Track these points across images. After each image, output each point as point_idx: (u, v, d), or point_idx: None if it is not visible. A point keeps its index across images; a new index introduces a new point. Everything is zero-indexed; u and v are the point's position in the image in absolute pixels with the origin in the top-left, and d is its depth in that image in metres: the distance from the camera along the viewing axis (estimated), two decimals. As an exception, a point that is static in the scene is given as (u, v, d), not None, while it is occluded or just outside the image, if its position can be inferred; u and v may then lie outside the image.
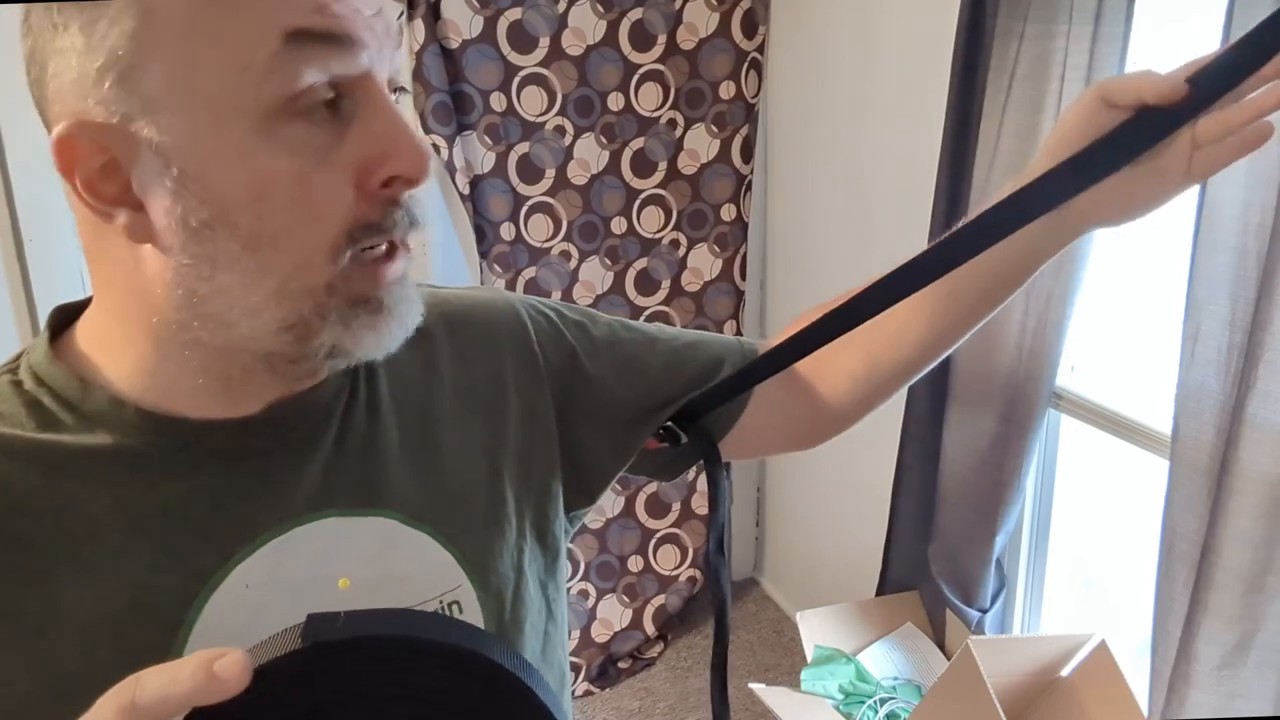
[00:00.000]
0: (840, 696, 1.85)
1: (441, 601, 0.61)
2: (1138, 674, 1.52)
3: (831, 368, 0.77)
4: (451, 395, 0.67)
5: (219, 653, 0.38)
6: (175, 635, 0.54)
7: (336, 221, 0.51)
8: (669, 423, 0.75)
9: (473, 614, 0.63)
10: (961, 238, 0.63)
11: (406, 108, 2.13)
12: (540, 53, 2.21)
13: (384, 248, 0.54)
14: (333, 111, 0.51)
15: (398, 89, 0.55)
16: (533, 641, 0.67)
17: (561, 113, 2.27)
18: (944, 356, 0.76)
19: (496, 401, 0.69)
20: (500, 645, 0.44)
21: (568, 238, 2.38)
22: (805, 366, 0.78)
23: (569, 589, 2.58)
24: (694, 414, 0.76)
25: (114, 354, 0.56)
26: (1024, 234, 0.63)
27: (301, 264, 0.51)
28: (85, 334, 0.58)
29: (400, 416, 0.64)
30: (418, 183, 0.53)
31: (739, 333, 2.62)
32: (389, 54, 0.53)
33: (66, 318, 0.60)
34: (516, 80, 2.21)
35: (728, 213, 2.52)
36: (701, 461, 0.79)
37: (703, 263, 2.54)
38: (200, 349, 0.54)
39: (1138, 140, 0.60)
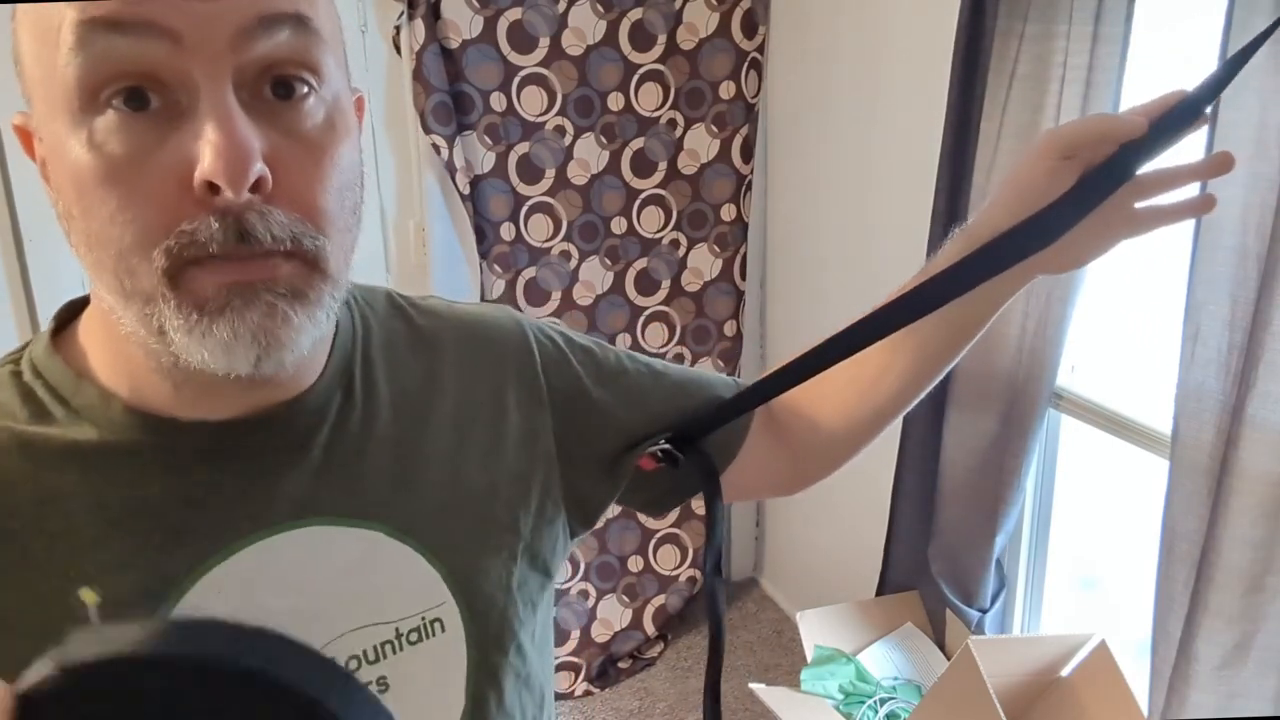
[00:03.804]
0: (840, 696, 1.85)
1: (424, 619, 0.60)
2: (1138, 674, 1.52)
3: (814, 418, 0.80)
4: (451, 409, 0.66)
5: None
6: None
7: (151, 224, 0.48)
8: (667, 445, 0.75)
9: (454, 633, 0.62)
10: (944, 280, 0.65)
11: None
12: (540, 53, 2.21)
13: (214, 250, 0.48)
14: (150, 106, 0.47)
15: (285, 77, 0.50)
16: (516, 663, 0.65)
17: (561, 113, 2.27)
18: (913, 404, 0.78)
19: (496, 420, 0.68)
20: (262, 642, 0.39)
21: (568, 238, 2.38)
22: (789, 418, 0.81)
23: (569, 589, 2.58)
24: (688, 442, 0.77)
25: (104, 348, 0.56)
26: (983, 284, 0.66)
27: (126, 268, 0.49)
28: (85, 327, 0.58)
29: (396, 426, 0.63)
30: (237, 193, 0.47)
31: (739, 333, 2.62)
32: (238, 39, 0.47)
33: (75, 310, 0.60)
34: (516, 80, 2.21)
35: (728, 213, 2.52)
36: (694, 492, 0.79)
37: (703, 263, 2.54)
38: (138, 346, 0.53)
39: (1109, 182, 0.62)
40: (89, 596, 0.52)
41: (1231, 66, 0.60)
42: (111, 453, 0.55)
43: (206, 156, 0.46)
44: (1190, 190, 0.65)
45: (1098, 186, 0.62)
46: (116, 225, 0.48)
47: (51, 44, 0.47)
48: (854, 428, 0.79)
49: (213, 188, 0.47)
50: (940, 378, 0.77)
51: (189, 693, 0.39)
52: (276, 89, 0.50)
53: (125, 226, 0.48)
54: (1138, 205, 0.64)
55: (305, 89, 0.50)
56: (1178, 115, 0.60)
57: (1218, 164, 0.63)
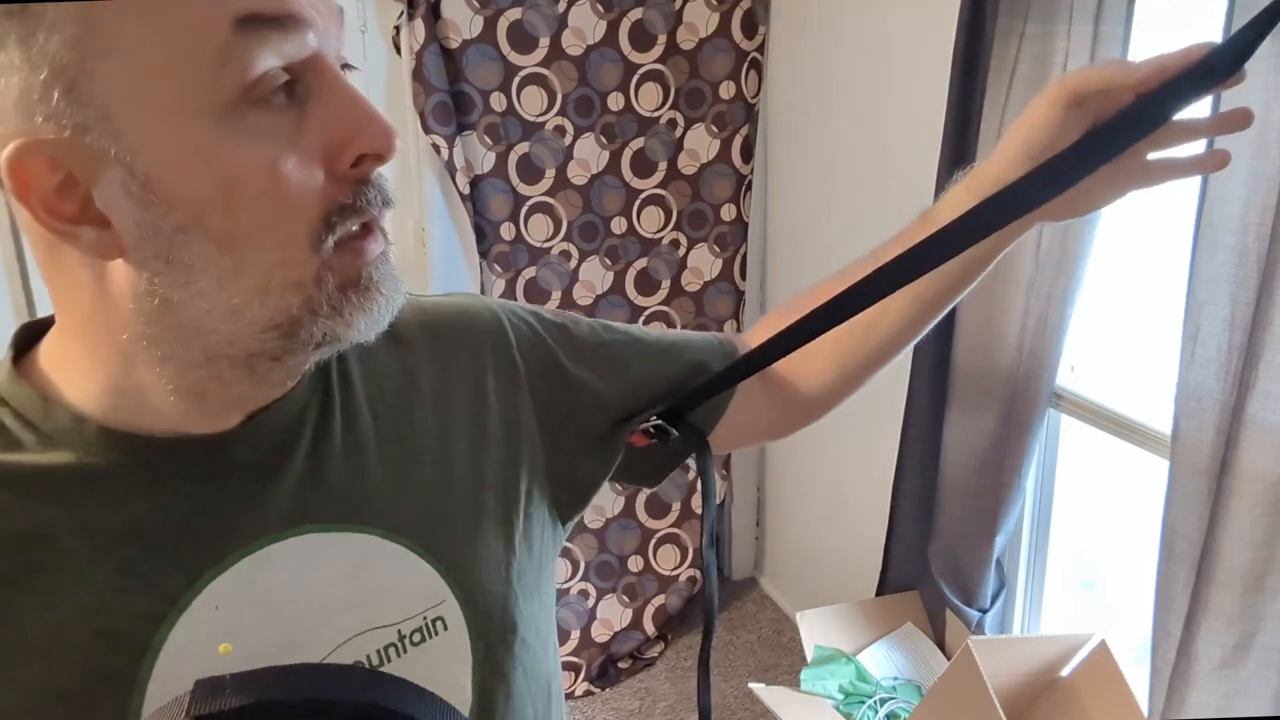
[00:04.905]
0: (840, 696, 1.85)
1: (425, 618, 0.60)
2: (1138, 674, 1.52)
3: (806, 364, 0.78)
4: (432, 404, 0.65)
5: None
6: (142, 660, 0.52)
7: (311, 208, 0.50)
8: (659, 420, 0.74)
9: (457, 630, 0.61)
10: (946, 235, 0.63)
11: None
12: (540, 53, 2.21)
13: (357, 228, 0.53)
14: (289, 97, 0.49)
15: (344, 66, 0.53)
16: (521, 656, 0.65)
17: (561, 113, 2.27)
18: (911, 346, 0.78)
19: (478, 410, 0.67)
20: (402, 689, 0.41)
21: (568, 238, 2.38)
22: (781, 363, 0.79)
23: (569, 589, 2.58)
24: (677, 414, 0.76)
25: (79, 375, 0.54)
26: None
27: (283, 258, 0.50)
28: (48, 355, 0.56)
29: (378, 426, 0.62)
30: (386, 158, 0.52)
31: (739, 333, 2.62)
32: (335, 31, 0.51)
33: (32, 335, 0.58)
34: (516, 80, 2.21)
35: (728, 213, 2.52)
36: (689, 460, 0.79)
37: (703, 263, 2.54)
38: (173, 363, 0.53)
39: (1132, 131, 0.60)
40: (225, 649, 0.53)
41: (1260, 26, 0.54)
42: (91, 476, 0.53)
43: (369, 131, 0.50)
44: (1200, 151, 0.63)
45: (1106, 144, 0.60)
46: (283, 215, 0.49)
47: (192, 50, 0.46)
48: (848, 373, 0.78)
49: (357, 160, 0.51)
50: (935, 322, 0.76)
51: None
52: None
53: (291, 215, 0.50)
54: (1150, 156, 0.63)
55: (348, 71, 0.54)
56: (1194, 78, 0.57)
57: (1235, 119, 0.61)
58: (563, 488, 0.71)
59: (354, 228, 0.52)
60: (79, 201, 0.48)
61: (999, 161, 0.65)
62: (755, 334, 0.81)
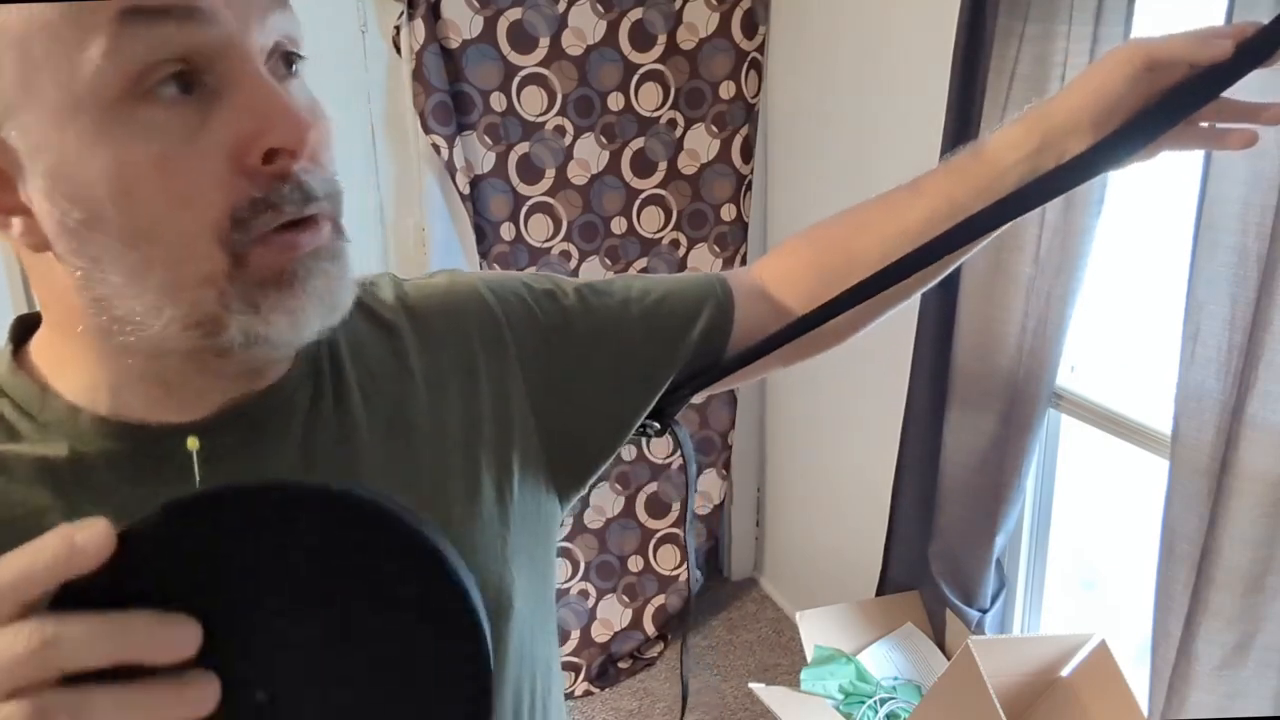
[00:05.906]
0: (840, 696, 1.85)
1: None
2: (1138, 674, 1.52)
3: (823, 300, 0.77)
4: (423, 388, 0.65)
5: (83, 524, 0.38)
6: None
7: (213, 205, 0.49)
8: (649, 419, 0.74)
9: None
10: (1023, 194, 0.66)
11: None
12: (540, 53, 2.21)
13: (286, 222, 0.51)
14: (192, 90, 0.48)
15: (289, 54, 0.52)
16: (520, 634, 0.65)
17: (561, 113, 2.27)
18: (929, 287, 0.80)
19: (469, 391, 0.67)
20: (366, 488, 0.42)
21: (568, 238, 2.38)
22: (798, 300, 0.79)
23: (569, 589, 2.58)
24: (686, 380, 0.76)
25: (67, 367, 0.55)
26: (1031, 170, 0.68)
27: (186, 255, 0.49)
28: (40, 349, 0.57)
29: (370, 411, 0.62)
30: (299, 154, 0.50)
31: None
32: (259, 19, 0.49)
33: (28, 328, 0.59)
34: (516, 80, 2.21)
35: (728, 213, 2.52)
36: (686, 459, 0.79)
37: (703, 263, 2.54)
38: (132, 353, 0.53)
39: (1197, 100, 0.63)
40: (192, 443, 0.51)
41: None
42: (84, 464, 0.54)
43: (272, 124, 0.48)
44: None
45: (1175, 110, 0.63)
46: (179, 210, 0.48)
47: (71, 43, 0.45)
48: (866, 311, 0.77)
49: (270, 155, 0.49)
50: (957, 265, 0.77)
51: (295, 521, 0.40)
52: (278, 67, 0.52)
53: (189, 210, 0.48)
54: (1190, 127, 0.66)
55: (298, 64, 0.53)
56: (1261, 47, 0.60)
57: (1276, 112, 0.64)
58: (560, 462, 0.71)
59: (273, 224, 0.50)
60: (12, 192, 0.50)
61: (1063, 111, 0.67)
62: (768, 265, 0.81)
